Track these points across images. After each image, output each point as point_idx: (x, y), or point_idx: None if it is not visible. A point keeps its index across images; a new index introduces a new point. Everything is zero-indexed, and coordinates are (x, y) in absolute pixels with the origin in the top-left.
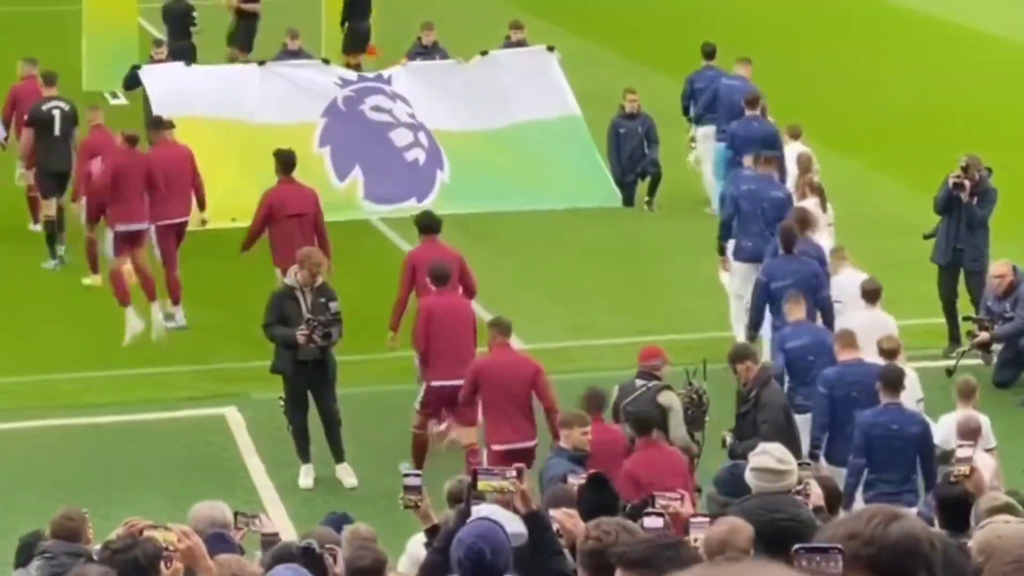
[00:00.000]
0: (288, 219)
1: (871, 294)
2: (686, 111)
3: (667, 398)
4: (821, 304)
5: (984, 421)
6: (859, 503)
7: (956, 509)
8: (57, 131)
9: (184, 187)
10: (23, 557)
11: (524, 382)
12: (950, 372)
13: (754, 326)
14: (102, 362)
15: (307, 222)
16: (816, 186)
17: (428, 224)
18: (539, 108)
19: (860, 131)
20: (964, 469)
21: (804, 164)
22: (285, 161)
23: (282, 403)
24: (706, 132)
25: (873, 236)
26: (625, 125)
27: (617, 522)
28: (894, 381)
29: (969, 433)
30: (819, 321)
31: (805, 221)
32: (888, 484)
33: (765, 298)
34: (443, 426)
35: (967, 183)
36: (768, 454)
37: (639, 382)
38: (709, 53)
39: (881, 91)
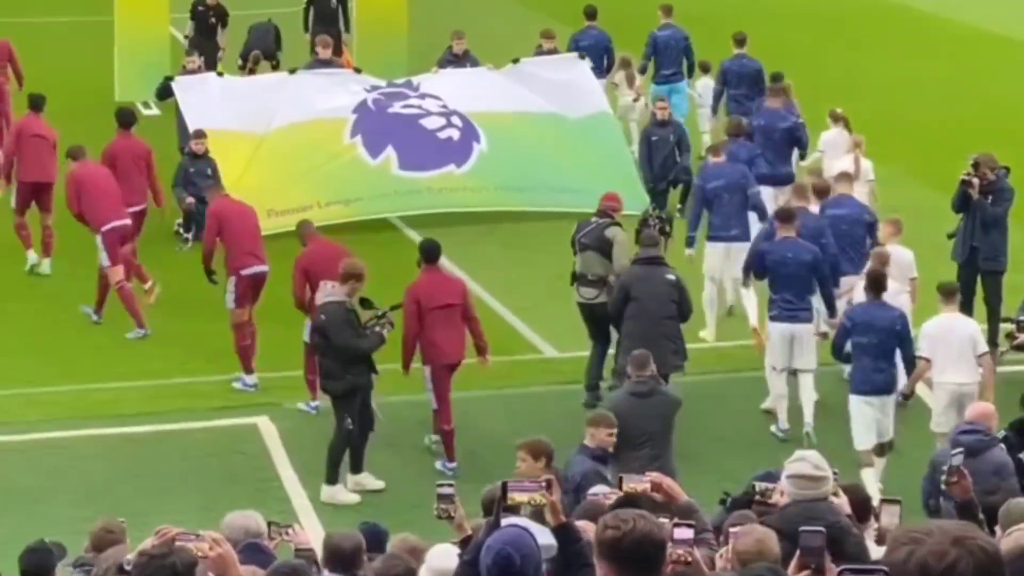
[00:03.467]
0: (32, 138)
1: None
2: None
3: (612, 232)
4: (752, 200)
5: None
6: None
7: (991, 519)
8: None
9: None
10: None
11: (253, 219)
12: None
13: (692, 226)
14: (135, 372)
15: (48, 144)
16: (838, 115)
17: (431, 250)
18: (571, 105)
19: (912, 143)
20: (953, 477)
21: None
22: (35, 100)
23: (350, 424)
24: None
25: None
26: (657, 133)
27: (635, 512)
28: (788, 216)
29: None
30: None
31: (739, 127)
32: (787, 302)
33: (702, 198)
34: (149, 285)
35: (976, 180)
36: (805, 460)
37: (594, 219)
38: (591, 14)
39: (932, 103)
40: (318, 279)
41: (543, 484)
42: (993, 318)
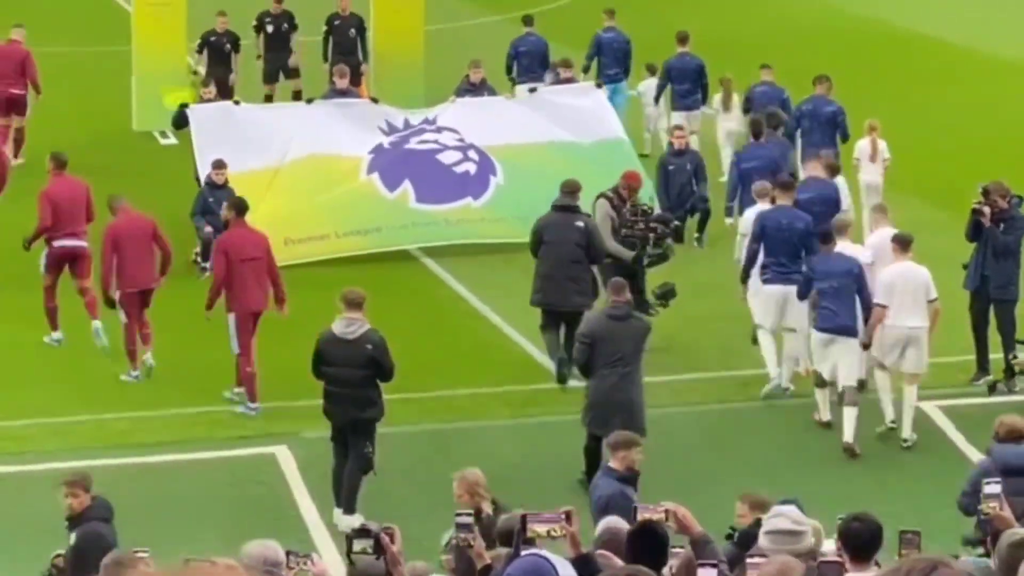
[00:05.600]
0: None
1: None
2: (509, 70)
3: (599, 205)
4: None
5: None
6: (755, 279)
7: None
8: None
9: None
10: None
11: (81, 199)
12: (992, 388)
13: (730, 197)
14: (155, 401)
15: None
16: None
17: (241, 205)
18: (585, 131)
19: (924, 171)
20: (994, 505)
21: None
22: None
23: (371, 452)
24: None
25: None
26: (674, 162)
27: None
28: (786, 186)
29: None
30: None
31: (774, 116)
32: (780, 265)
33: (737, 176)
34: None
35: (987, 209)
36: (784, 516)
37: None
38: (528, 21)
39: (944, 129)
40: (124, 249)
41: (562, 516)
42: (1007, 346)
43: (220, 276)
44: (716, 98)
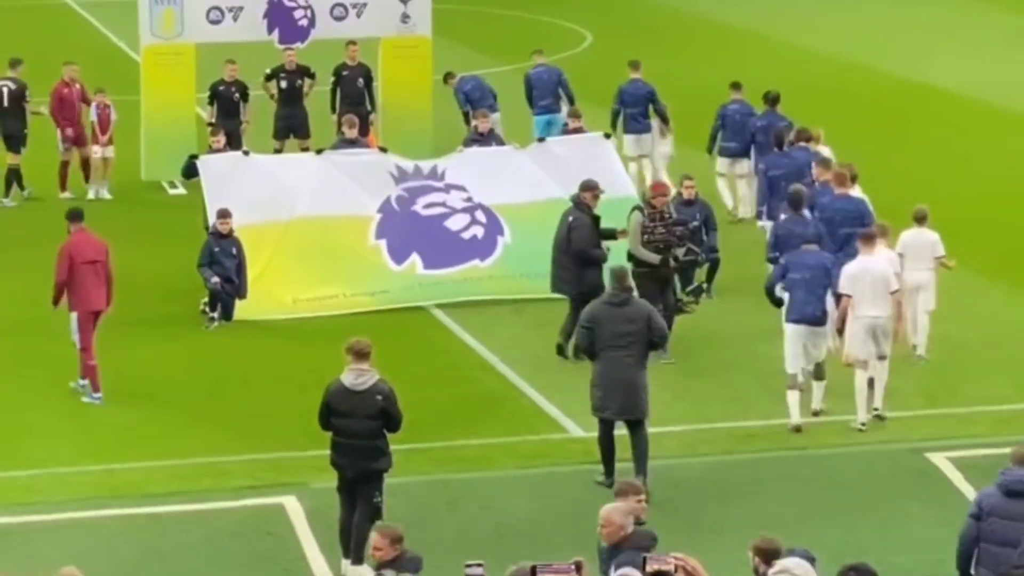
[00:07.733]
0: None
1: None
2: (467, 113)
3: (633, 216)
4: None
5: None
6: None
7: None
8: (5, 104)
9: None
10: None
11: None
12: None
13: (762, 202)
14: (163, 451)
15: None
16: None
17: (76, 213)
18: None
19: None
20: None
21: None
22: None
23: (380, 500)
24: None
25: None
26: (683, 212)
27: None
28: (796, 202)
29: None
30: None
31: (804, 131)
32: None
33: (766, 184)
34: None
35: None
36: (789, 572)
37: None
38: (447, 76)
39: (954, 179)
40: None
41: (572, 567)
42: None
43: (62, 277)
44: (653, 123)
